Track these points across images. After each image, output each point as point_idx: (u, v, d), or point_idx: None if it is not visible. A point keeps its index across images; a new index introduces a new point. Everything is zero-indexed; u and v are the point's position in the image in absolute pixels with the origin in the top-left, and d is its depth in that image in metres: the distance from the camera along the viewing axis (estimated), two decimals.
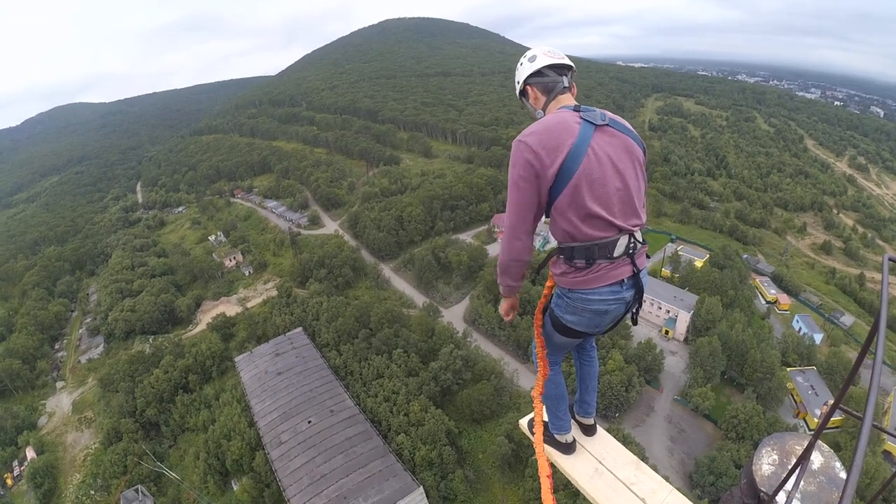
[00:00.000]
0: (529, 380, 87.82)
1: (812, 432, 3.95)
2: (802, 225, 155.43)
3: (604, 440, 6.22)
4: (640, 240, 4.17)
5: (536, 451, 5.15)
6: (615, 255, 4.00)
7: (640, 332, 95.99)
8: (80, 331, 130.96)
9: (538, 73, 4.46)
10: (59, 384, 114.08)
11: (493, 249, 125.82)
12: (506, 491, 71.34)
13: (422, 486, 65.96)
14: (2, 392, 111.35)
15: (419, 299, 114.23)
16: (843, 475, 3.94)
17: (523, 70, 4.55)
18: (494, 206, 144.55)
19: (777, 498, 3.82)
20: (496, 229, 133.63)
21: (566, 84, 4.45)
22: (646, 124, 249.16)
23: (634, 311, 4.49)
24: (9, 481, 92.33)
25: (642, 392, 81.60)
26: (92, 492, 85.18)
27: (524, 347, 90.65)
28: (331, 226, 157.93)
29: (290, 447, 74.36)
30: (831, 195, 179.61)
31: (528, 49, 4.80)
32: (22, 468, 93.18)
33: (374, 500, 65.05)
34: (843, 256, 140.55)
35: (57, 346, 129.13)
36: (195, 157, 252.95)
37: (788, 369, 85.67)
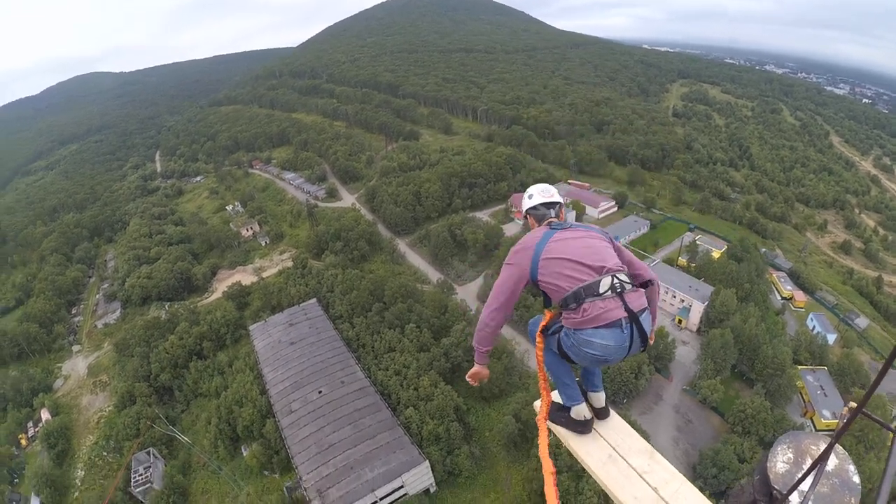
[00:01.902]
0: None
1: (828, 433, 3.86)
2: (823, 222, 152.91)
3: (618, 427, 6.11)
4: (627, 280, 4.84)
5: (541, 451, 5.46)
6: (601, 291, 4.68)
7: None
8: (98, 296, 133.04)
9: (534, 208, 5.91)
10: (76, 348, 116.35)
11: (510, 229, 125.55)
12: (510, 469, 71.73)
13: (427, 460, 66.85)
14: (19, 355, 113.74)
15: (433, 275, 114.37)
16: (857, 479, 3.94)
17: (524, 204, 6.05)
18: (512, 186, 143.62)
19: (791, 498, 3.81)
20: (513, 209, 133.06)
21: (552, 215, 5.80)
22: (670, 110, 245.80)
23: (642, 348, 4.92)
24: (23, 442, 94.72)
25: (652, 380, 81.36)
26: (104, 453, 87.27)
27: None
28: (348, 199, 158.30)
29: (300, 416, 75.44)
30: (854, 194, 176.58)
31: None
32: (36, 429, 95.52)
33: (380, 471, 65.98)
34: (862, 257, 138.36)
35: (74, 311, 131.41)
36: (214, 128, 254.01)
37: (799, 367, 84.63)
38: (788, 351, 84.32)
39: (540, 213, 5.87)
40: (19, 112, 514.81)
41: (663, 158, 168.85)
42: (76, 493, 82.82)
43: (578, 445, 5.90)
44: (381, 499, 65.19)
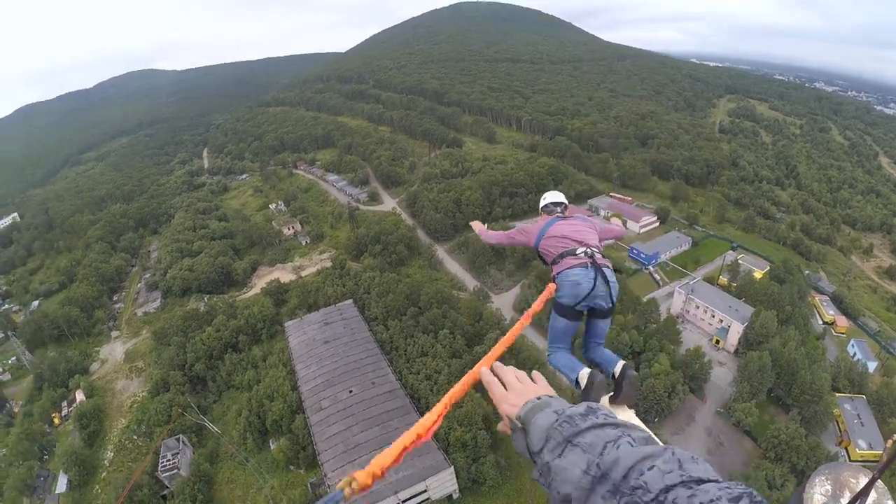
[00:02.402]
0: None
1: (868, 465, 3.54)
2: (869, 246, 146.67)
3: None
4: (600, 253, 6.51)
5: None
6: (577, 253, 6.40)
7: (690, 339, 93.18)
8: (139, 285, 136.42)
9: (546, 206, 8.03)
10: (114, 333, 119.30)
11: None
12: (535, 482, 70.77)
13: (452, 467, 66.53)
14: (59, 337, 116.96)
15: (470, 283, 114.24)
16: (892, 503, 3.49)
17: (541, 203, 8.18)
18: None
19: None
20: None
21: (558, 210, 7.81)
22: (716, 126, 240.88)
23: (611, 298, 6.26)
24: (56, 420, 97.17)
25: (685, 400, 79.31)
26: (135, 437, 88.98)
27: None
28: (389, 203, 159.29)
29: (329, 414, 75.91)
30: None
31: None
32: (70, 409, 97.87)
33: (405, 474, 65.75)
34: None
35: (115, 298, 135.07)
36: (261, 128, 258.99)
37: (837, 395, 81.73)
38: (827, 377, 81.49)
39: (549, 209, 7.98)
40: (73, 104, 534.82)
41: (708, 175, 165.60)
42: (104, 474, 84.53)
43: None
44: (404, 501, 65.00)
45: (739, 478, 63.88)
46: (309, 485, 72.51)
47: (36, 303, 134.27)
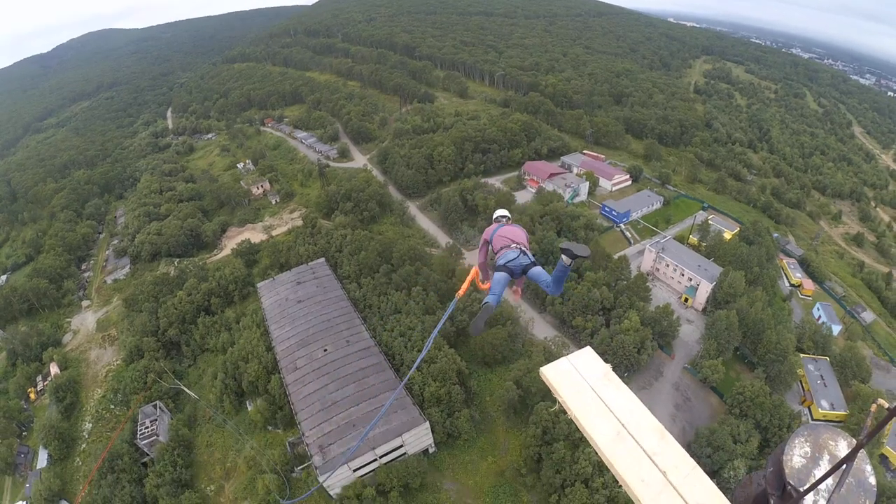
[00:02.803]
0: (544, 329, 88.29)
1: (840, 426, 3.47)
2: (838, 212, 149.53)
3: (628, 402, 5.83)
4: (525, 250, 9.75)
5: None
6: (511, 246, 9.63)
7: (660, 297, 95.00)
8: (107, 252, 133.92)
9: (496, 219, 10.97)
10: (85, 303, 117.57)
11: (522, 196, 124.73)
12: (508, 434, 72.44)
13: (428, 422, 67.46)
14: (29, 310, 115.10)
15: (443, 239, 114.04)
16: (873, 480, 3.86)
17: (494, 216, 11.15)
18: (526, 154, 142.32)
19: (807, 498, 3.80)
20: (526, 177, 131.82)
21: (503, 222, 10.75)
22: (691, 86, 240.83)
23: (529, 259, 9.59)
24: (32, 395, 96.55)
25: (654, 356, 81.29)
26: (112, 406, 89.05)
27: (542, 297, 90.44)
28: (360, 160, 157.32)
29: (305, 373, 76.07)
30: (871, 187, 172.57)
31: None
32: (45, 383, 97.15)
33: (381, 430, 66.57)
34: (874, 252, 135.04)
35: (83, 267, 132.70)
36: (227, 85, 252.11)
37: (802, 355, 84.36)
38: (792, 338, 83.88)
39: (499, 219, 10.94)
40: (29, 70, 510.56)
41: (681, 134, 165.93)
42: (83, 445, 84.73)
43: (585, 418, 5.69)
44: (381, 457, 66.03)
45: (705, 432, 66.76)
46: (287, 444, 73.16)
47: (3, 277, 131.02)
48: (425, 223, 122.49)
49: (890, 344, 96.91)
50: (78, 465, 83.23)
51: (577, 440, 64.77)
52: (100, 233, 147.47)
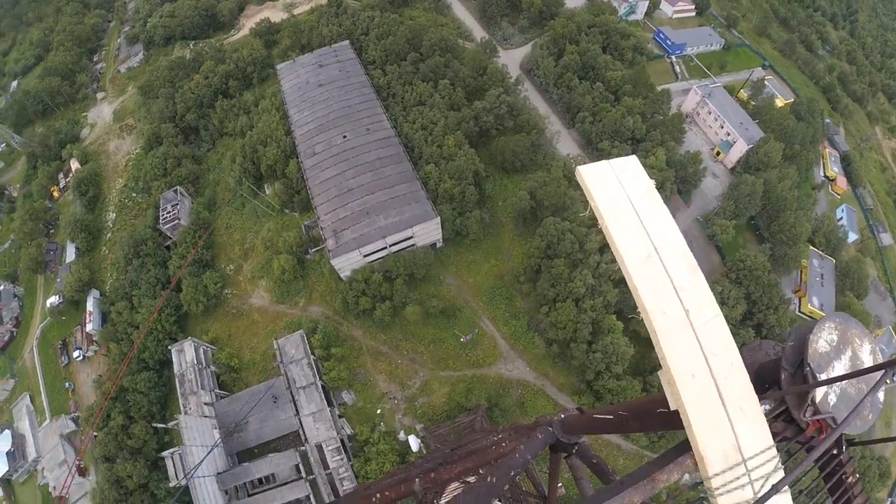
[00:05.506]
0: (569, 146, 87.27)
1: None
2: None
3: (667, 227, 5.46)
4: None
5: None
6: None
7: (692, 142, 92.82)
8: (119, 40, 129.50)
9: None
10: (100, 95, 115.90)
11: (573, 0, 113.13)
12: (514, 242, 74.22)
13: (439, 217, 68.66)
14: (44, 111, 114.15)
15: (478, 33, 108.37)
16: (882, 396, 4.06)
17: None
18: None
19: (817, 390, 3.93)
20: None
21: None
22: None
23: None
24: (55, 193, 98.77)
25: (671, 199, 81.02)
26: (133, 194, 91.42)
27: (574, 112, 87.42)
28: None
29: (323, 158, 76.24)
30: None
31: None
32: (67, 180, 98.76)
33: (393, 220, 68.00)
34: None
35: (95, 59, 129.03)
36: None
37: (811, 248, 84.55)
38: (808, 227, 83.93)
39: None
40: None
41: None
42: (108, 235, 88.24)
43: (617, 231, 5.30)
44: (391, 245, 67.87)
45: None
46: (303, 226, 75.46)
47: (14, 83, 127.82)
48: (461, 12, 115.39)
49: None
50: (105, 253, 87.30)
51: (577, 261, 66.30)
52: (110, 21, 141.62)
